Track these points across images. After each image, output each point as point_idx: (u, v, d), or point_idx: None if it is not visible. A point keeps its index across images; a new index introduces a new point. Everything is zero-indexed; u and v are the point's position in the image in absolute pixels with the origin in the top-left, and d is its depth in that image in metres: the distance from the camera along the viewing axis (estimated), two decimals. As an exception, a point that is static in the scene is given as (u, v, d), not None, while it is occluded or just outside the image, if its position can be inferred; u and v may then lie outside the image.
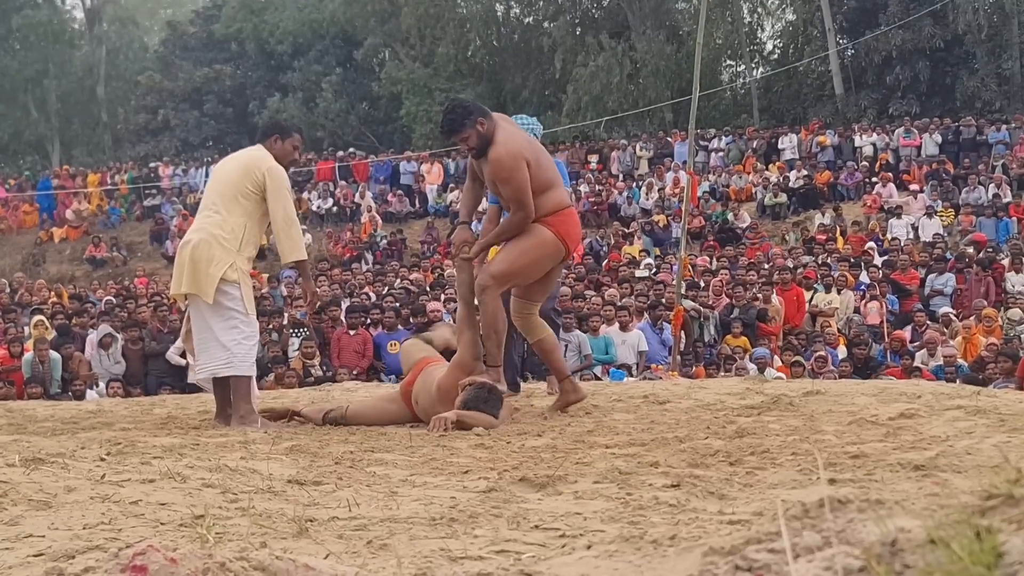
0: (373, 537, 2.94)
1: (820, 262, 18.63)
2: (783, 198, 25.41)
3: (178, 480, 3.76)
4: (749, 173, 27.41)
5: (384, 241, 26.50)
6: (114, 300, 19.00)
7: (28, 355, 14.07)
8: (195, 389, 13.40)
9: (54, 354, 14.26)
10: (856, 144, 27.41)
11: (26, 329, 16.13)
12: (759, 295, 16.02)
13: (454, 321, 15.20)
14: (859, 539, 1.64)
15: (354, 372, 13.87)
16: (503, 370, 6.66)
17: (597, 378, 12.54)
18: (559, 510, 3.32)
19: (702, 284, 17.01)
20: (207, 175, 32.49)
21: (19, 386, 13.50)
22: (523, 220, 6.47)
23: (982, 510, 1.64)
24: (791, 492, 3.42)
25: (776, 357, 14.45)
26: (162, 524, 2.99)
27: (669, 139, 29.94)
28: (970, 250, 19.01)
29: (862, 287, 17.07)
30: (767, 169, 27.51)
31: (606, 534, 2.88)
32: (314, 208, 29.43)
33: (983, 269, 17.40)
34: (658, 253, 21.98)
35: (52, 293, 21.40)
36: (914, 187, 24.41)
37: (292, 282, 17.81)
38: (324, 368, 14.08)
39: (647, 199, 26.27)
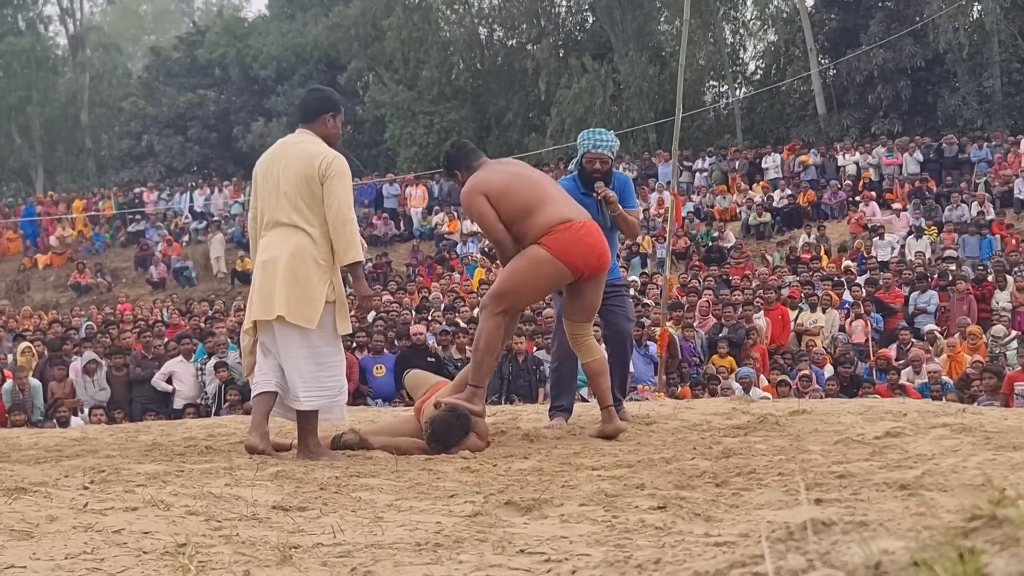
0: (357, 564, 2.93)
1: (804, 281, 18.68)
2: (767, 217, 25.50)
3: (162, 508, 3.74)
4: (733, 193, 27.50)
5: (369, 264, 26.47)
6: (95, 326, 18.93)
7: (8, 383, 14.01)
8: (180, 415, 13.39)
9: (34, 381, 14.21)
10: (839, 163, 27.52)
11: (10, 357, 16.06)
12: (746, 314, 16.07)
13: (438, 343, 15.18)
14: (843, 562, 1.64)
15: (340, 396, 13.82)
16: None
17: (583, 399, 12.52)
18: (545, 534, 3.31)
19: (686, 305, 17.00)
20: (191, 200, 32.50)
21: (2, 414, 13.44)
22: (500, 250, 6.64)
23: (965, 531, 1.63)
24: (777, 513, 3.42)
25: (762, 376, 14.48)
26: (144, 553, 2.97)
27: (653, 160, 30.03)
28: (951, 267, 19.06)
29: (846, 306, 17.12)
30: (751, 189, 27.61)
31: (591, 558, 2.87)
32: (299, 232, 29.37)
33: (976, 285, 17.48)
34: (645, 272, 22.01)
35: (39, 319, 21.36)
36: (897, 206, 24.50)
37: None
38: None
39: (632, 220, 26.25)
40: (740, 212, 26.37)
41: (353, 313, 6.27)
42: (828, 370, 14.55)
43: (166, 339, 15.94)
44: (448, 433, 6.10)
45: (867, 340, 15.98)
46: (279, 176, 6.06)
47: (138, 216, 33.31)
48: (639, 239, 24.56)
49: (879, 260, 20.83)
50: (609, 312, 7.38)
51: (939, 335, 15.74)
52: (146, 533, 3.24)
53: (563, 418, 7.19)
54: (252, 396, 6.31)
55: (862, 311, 16.50)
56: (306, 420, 6.02)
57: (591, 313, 6.64)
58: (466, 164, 6.64)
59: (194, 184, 34.29)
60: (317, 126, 6.21)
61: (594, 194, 7.05)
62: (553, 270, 6.35)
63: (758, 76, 38.53)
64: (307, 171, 5.98)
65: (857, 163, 27.19)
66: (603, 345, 7.32)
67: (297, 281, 5.93)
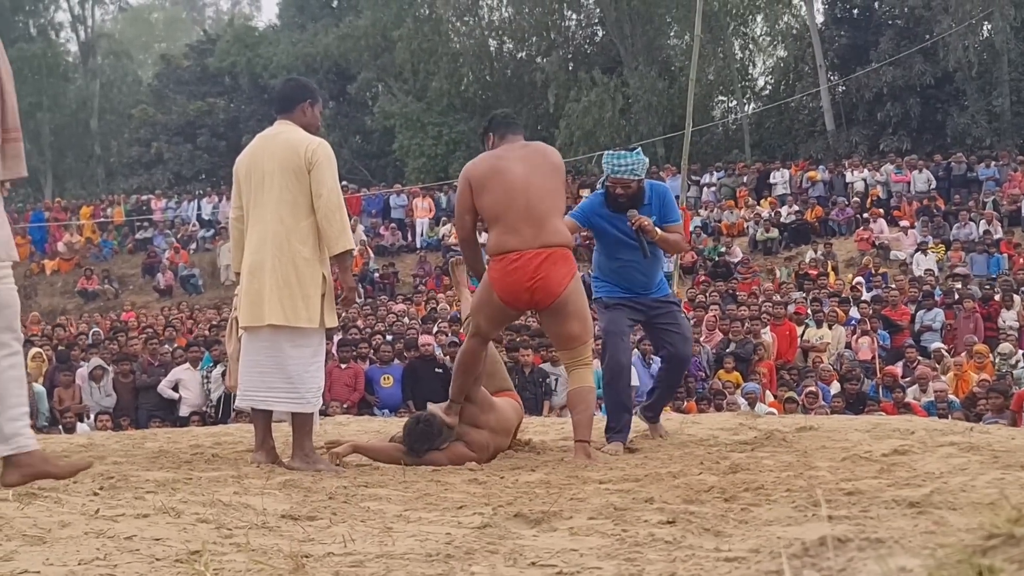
0: (370, 574, 2.93)
1: (811, 297, 18.67)
2: (775, 233, 25.49)
3: (172, 515, 3.74)
4: (741, 208, 27.51)
5: (376, 274, 26.48)
6: (102, 333, 18.96)
7: (12, 389, 14.01)
8: (185, 423, 13.39)
9: (38, 387, 14.22)
10: (847, 180, 27.52)
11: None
12: (753, 329, 16.08)
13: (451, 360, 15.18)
14: (860, 578, 1.65)
15: (345, 405, 13.85)
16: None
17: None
18: (555, 546, 3.31)
19: (693, 319, 16.99)
20: (199, 208, 32.53)
21: (9, 419, 13.44)
22: (459, 243, 6.71)
23: (983, 549, 1.63)
24: (786, 529, 3.42)
25: (768, 392, 14.47)
26: (157, 560, 2.98)
27: (661, 174, 30.01)
28: (957, 285, 19.04)
29: (853, 322, 17.11)
30: (759, 204, 27.61)
31: (603, 571, 2.87)
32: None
33: (982, 303, 17.47)
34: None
35: (47, 326, 21.37)
36: (905, 223, 24.50)
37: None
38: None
39: (639, 234, 26.23)
40: (747, 227, 26.37)
41: (338, 305, 6.07)
42: (835, 387, 14.54)
43: (175, 346, 15.97)
44: (409, 436, 6.19)
45: (874, 357, 15.97)
46: (263, 171, 5.89)
47: (146, 223, 33.37)
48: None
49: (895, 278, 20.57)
50: (663, 332, 7.16)
51: (946, 353, 15.71)
52: (158, 540, 3.25)
53: (619, 441, 6.71)
54: (251, 410, 6.24)
55: (868, 328, 16.49)
56: (302, 423, 5.95)
57: (564, 342, 6.35)
58: (499, 133, 6.47)
59: (202, 192, 34.37)
60: (296, 115, 6.05)
61: (628, 222, 6.80)
62: (490, 296, 6.24)
63: (767, 92, 38.57)
64: (292, 161, 5.82)
65: (865, 180, 27.17)
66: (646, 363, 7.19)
67: (288, 283, 5.78)
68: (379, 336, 16.42)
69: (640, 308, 7.03)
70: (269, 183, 5.86)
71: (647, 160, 6.92)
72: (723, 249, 24.40)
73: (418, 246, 29.06)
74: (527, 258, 6.06)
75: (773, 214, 26.41)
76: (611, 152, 6.94)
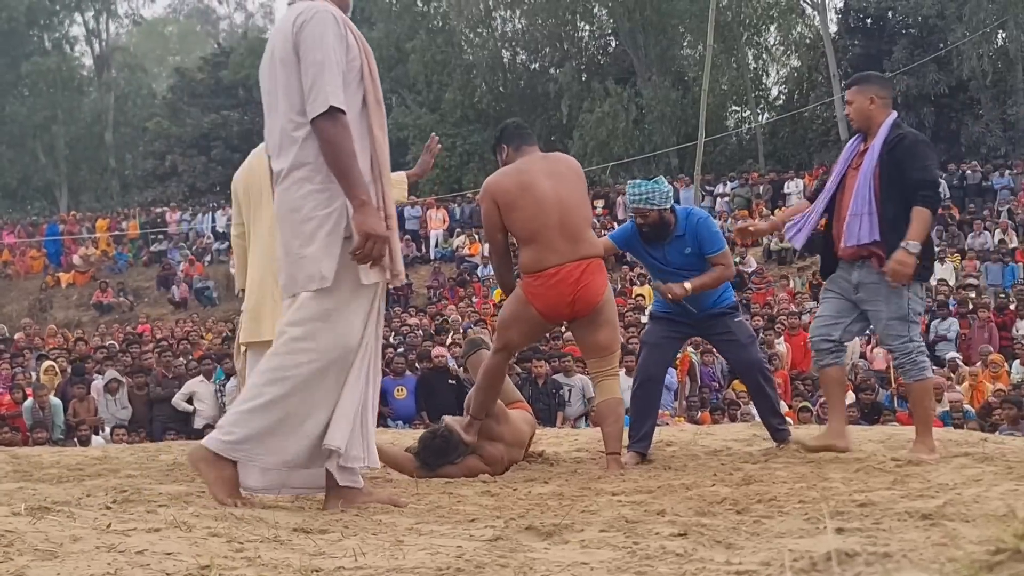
0: (379, 588, 2.93)
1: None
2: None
3: (184, 529, 3.74)
4: (755, 218, 27.43)
5: (390, 285, 26.46)
6: (117, 345, 19.02)
7: (28, 401, 14.07)
8: (200, 435, 13.40)
9: (54, 400, 14.26)
10: (862, 189, 27.43)
11: (34, 375, 16.14)
12: (767, 339, 16.03)
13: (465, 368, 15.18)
14: (866, 594, 1.64)
15: (359, 417, 13.83)
16: None
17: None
18: (565, 560, 3.30)
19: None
20: (214, 220, 32.64)
21: (24, 432, 13.50)
22: (492, 259, 6.61)
23: (990, 565, 1.63)
24: (798, 542, 3.40)
25: (783, 402, 14.43)
26: (168, 575, 2.98)
27: (675, 184, 29.95)
28: (972, 295, 18.96)
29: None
30: (773, 214, 27.55)
31: (613, 585, 2.86)
32: (321, 253, 29.50)
33: (997, 313, 17.38)
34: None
35: (62, 338, 21.44)
36: (920, 232, 24.39)
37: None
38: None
39: (653, 244, 26.21)
40: (762, 237, 26.29)
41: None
42: (849, 397, 14.48)
43: (190, 358, 16.02)
44: (426, 450, 6.19)
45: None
46: (260, 186, 5.80)
47: (161, 236, 33.50)
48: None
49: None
50: (720, 344, 7.16)
51: (961, 363, 15.65)
52: (169, 554, 3.24)
53: (636, 451, 6.68)
54: None
55: (883, 338, 16.41)
56: None
57: (594, 351, 6.35)
58: (513, 144, 6.37)
59: (216, 204, 34.46)
60: None
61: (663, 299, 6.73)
62: (524, 311, 6.21)
63: (781, 101, 38.58)
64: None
65: (879, 189, 27.09)
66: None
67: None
68: (392, 348, 16.42)
69: (690, 323, 6.93)
70: (267, 198, 5.66)
71: (670, 189, 6.72)
72: (737, 259, 24.32)
73: (432, 257, 29.11)
74: (567, 271, 6.10)
75: (788, 224, 26.32)
76: (631, 182, 6.78)
